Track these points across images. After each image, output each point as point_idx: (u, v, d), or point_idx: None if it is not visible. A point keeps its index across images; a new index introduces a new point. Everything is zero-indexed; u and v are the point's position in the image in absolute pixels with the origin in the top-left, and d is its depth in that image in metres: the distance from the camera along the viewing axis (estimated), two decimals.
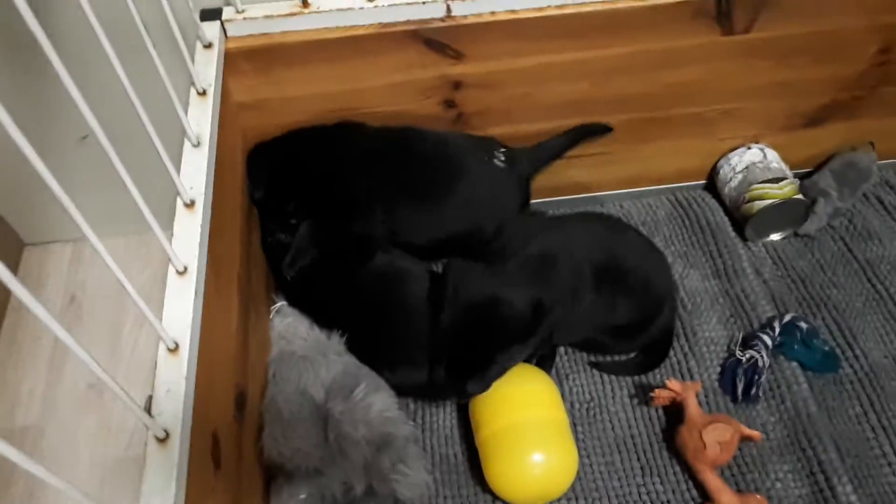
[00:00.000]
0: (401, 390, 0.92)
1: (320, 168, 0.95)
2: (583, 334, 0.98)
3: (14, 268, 1.21)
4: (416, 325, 0.90)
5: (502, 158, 0.97)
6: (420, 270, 0.99)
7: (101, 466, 1.01)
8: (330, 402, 0.84)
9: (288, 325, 0.93)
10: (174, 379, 0.58)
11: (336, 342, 0.92)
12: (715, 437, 0.86)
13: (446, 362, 0.84)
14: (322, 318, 0.95)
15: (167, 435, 0.55)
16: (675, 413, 0.94)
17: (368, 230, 0.95)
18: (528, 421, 0.87)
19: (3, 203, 1.16)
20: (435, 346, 0.87)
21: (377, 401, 0.84)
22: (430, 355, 0.87)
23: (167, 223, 0.69)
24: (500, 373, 0.84)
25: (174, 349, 0.60)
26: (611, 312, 0.93)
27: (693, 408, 0.89)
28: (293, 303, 0.96)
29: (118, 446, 1.02)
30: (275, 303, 0.97)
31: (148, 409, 0.57)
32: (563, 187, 1.16)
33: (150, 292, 1.19)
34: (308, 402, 0.85)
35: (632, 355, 1.02)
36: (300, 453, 0.80)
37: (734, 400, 0.97)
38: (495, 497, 0.88)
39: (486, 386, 0.84)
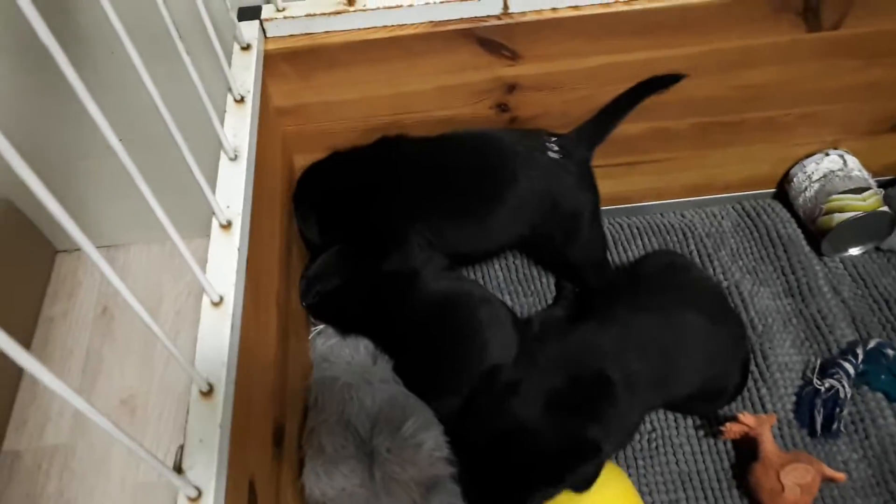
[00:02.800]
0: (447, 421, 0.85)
1: (356, 198, 0.89)
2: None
3: (46, 275, 1.17)
4: (469, 354, 0.83)
5: (555, 149, 0.87)
6: (482, 292, 0.91)
7: (132, 490, 0.96)
8: (376, 438, 0.78)
9: (331, 347, 0.87)
10: (207, 428, 0.52)
11: (382, 368, 0.85)
12: (794, 479, 0.77)
13: (473, 483, 0.75)
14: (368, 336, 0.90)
15: (199, 494, 0.49)
16: (745, 447, 0.86)
17: (406, 263, 0.88)
18: None
19: (35, 209, 1.12)
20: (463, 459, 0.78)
21: (428, 439, 0.77)
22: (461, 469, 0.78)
23: (206, 230, 0.64)
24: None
25: (208, 392, 0.54)
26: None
27: (769, 444, 0.81)
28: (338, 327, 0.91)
29: (151, 469, 0.96)
30: (316, 322, 0.91)
31: (178, 464, 0.51)
32: (622, 195, 1.08)
33: (187, 302, 1.15)
34: (353, 435, 0.78)
35: None
36: (343, 493, 0.74)
37: (812, 434, 0.89)
38: None
39: None
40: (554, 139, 0.88)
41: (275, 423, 0.70)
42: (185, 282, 1.13)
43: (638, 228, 1.11)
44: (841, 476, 0.81)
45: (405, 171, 0.88)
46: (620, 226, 1.11)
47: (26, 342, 1.08)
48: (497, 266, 1.08)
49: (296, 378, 0.82)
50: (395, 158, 0.88)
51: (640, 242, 1.09)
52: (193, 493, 0.49)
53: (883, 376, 0.90)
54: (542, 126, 0.94)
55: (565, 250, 0.93)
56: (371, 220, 0.88)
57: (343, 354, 0.87)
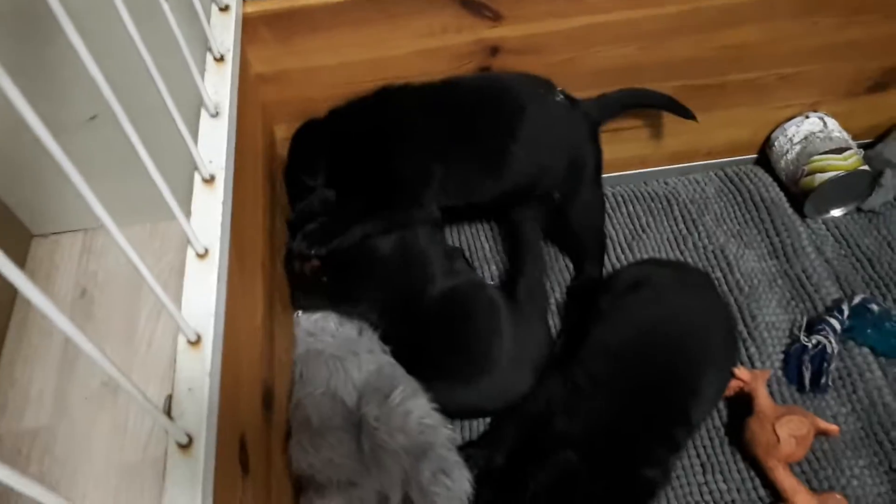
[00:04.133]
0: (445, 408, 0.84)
1: (367, 144, 0.86)
2: None
3: (22, 261, 1.14)
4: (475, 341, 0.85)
5: (561, 96, 0.88)
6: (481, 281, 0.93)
7: (118, 470, 0.94)
8: (364, 408, 0.76)
9: (315, 321, 0.86)
10: (196, 376, 0.51)
11: (368, 338, 0.84)
12: (790, 431, 0.78)
13: None
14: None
15: (190, 440, 0.48)
16: (737, 404, 0.86)
17: (425, 214, 0.87)
18: None
19: (9, 193, 1.09)
20: None
21: (415, 406, 0.76)
22: None
23: (183, 207, 0.62)
24: None
25: (195, 342, 0.52)
26: None
27: (764, 399, 0.81)
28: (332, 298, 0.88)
29: (135, 448, 0.94)
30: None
31: (167, 411, 0.50)
32: (606, 163, 1.07)
33: (167, 283, 1.13)
34: (339, 406, 0.77)
35: None
36: (331, 464, 0.73)
37: (801, 389, 0.89)
38: None
39: None
40: (560, 90, 0.89)
41: (264, 384, 0.69)
42: (166, 261, 1.10)
43: (622, 196, 1.11)
44: (835, 428, 0.82)
45: (415, 112, 0.86)
46: (605, 195, 1.11)
47: (2, 325, 1.05)
48: (483, 237, 1.08)
49: (283, 345, 0.81)
50: (402, 102, 0.87)
51: (624, 210, 1.09)
52: (184, 440, 0.48)
53: (868, 331, 0.91)
54: None
55: (567, 208, 0.94)
56: (387, 163, 0.86)
57: (328, 327, 0.85)
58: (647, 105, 0.99)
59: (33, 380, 1.02)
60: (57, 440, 0.97)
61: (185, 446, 0.48)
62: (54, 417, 0.99)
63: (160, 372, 1.03)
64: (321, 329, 0.87)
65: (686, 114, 0.97)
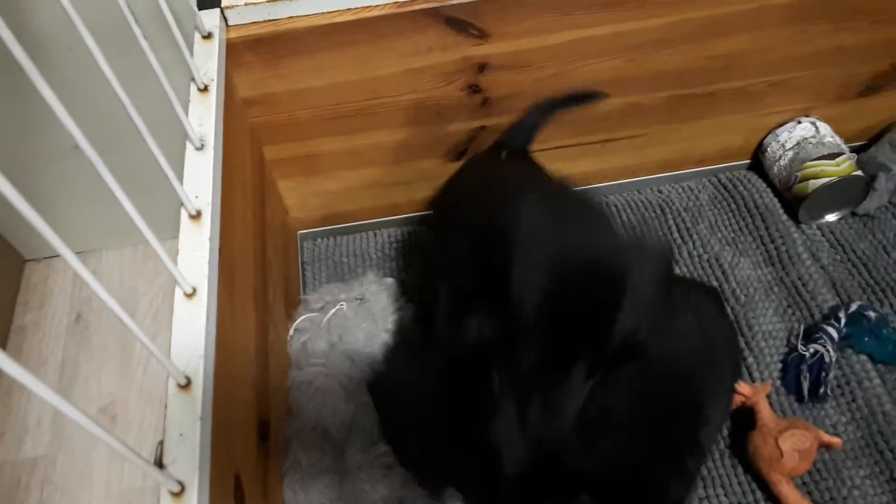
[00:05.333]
0: None
1: None
2: None
3: (16, 286, 1.14)
4: None
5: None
6: None
7: (118, 497, 0.94)
8: (349, 450, 0.76)
9: (304, 343, 0.85)
10: (187, 421, 0.51)
11: (359, 368, 0.83)
12: (793, 445, 0.77)
13: None
14: None
15: (182, 488, 0.48)
16: (738, 417, 0.86)
17: None
18: None
19: (2, 218, 1.09)
20: None
21: None
22: None
23: (174, 232, 0.62)
24: None
25: (185, 385, 0.52)
26: None
27: (766, 412, 0.81)
28: None
29: (135, 475, 0.95)
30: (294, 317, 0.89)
31: (159, 459, 0.49)
32: (599, 174, 1.08)
33: (163, 305, 1.13)
34: (329, 444, 0.76)
35: None
36: None
37: (799, 399, 0.89)
38: None
39: None
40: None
41: (258, 417, 0.69)
42: (159, 283, 1.10)
43: (616, 206, 1.11)
44: (837, 441, 0.81)
45: None
46: (599, 204, 1.11)
47: None
48: None
49: (277, 374, 0.80)
50: None
51: (618, 220, 1.09)
52: (176, 488, 0.48)
53: (866, 338, 0.90)
54: (514, 106, 0.93)
55: None
56: None
57: (317, 351, 0.84)
58: (559, 108, 0.92)
59: (30, 408, 1.02)
60: (56, 468, 0.97)
61: (178, 494, 0.48)
62: (53, 446, 0.99)
63: (157, 396, 1.03)
64: (312, 353, 0.86)
65: (596, 95, 0.91)
